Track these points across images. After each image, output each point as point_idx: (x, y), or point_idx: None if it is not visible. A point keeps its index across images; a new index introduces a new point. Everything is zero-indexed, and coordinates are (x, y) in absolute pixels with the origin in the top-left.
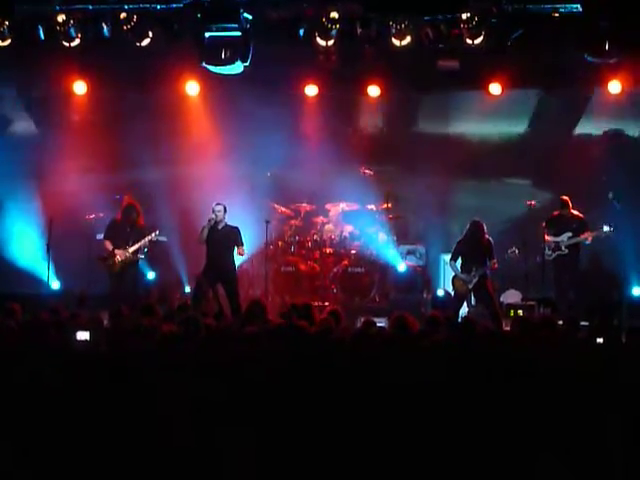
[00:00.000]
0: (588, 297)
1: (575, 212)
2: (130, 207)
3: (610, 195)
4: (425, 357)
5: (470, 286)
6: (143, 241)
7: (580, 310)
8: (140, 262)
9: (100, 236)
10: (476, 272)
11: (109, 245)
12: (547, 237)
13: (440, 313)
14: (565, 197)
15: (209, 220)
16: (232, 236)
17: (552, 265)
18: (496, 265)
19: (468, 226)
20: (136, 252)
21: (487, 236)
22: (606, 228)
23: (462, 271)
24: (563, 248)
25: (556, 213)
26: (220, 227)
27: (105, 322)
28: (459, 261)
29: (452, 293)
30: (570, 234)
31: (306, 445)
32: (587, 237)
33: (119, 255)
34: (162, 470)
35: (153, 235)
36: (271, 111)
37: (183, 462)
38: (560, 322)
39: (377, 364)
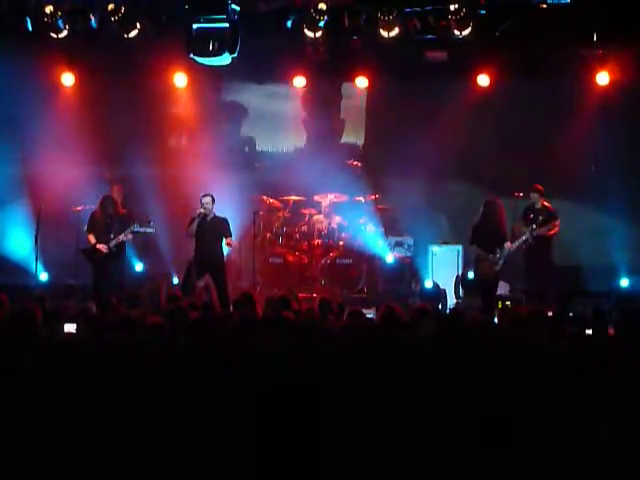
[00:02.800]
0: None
1: (546, 203)
2: (106, 199)
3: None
4: (413, 349)
5: (497, 267)
6: (121, 236)
7: (550, 300)
8: (124, 254)
9: None
10: (500, 253)
11: (92, 238)
12: (520, 228)
13: (428, 305)
14: (538, 186)
15: (198, 214)
16: (220, 227)
17: (523, 255)
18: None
19: (482, 207)
20: (117, 245)
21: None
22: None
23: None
24: (530, 239)
25: (529, 203)
26: (209, 218)
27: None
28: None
29: (476, 279)
30: (534, 226)
31: (292, 437)
32: (545, 231)
33: (101, 248)
34: (150, 463)
35: (132, 228)
36: (259, 102)
37: (174, 455)
38: (550, 313)
39: (364, 356)
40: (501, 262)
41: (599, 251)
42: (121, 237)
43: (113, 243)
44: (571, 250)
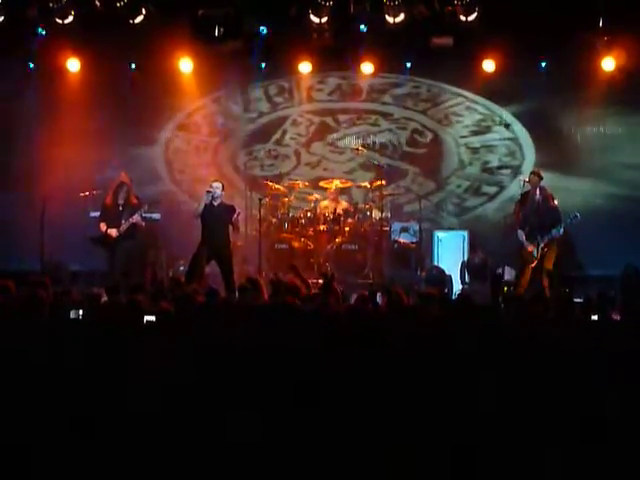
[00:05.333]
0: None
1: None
2: (119, 186)
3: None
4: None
5: (534, 255)
6: (132, 219)
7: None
8: (135, 237)
9: (93, 214)
10: (541, 240)
11: (103, 226)
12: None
13: (434, 290)
14: (537, 171)
15: (207, 192)
16: (227, 213)
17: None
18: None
19: (532, 191)
20: (127, 230)
21: (552, 202)
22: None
23: (527, 241)
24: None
25: (528, 188)
26: (216, 204)
27: (102, 299)
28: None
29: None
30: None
31: (300, 424)
32: None
33: (112, 233)
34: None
35: (141, 211)
36: (264, 88)
37: (178, 443)
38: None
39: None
40: (536, 250)
41: (604, 236)
42: (133, 218)
43: (124, 227)
44: (576, 236)
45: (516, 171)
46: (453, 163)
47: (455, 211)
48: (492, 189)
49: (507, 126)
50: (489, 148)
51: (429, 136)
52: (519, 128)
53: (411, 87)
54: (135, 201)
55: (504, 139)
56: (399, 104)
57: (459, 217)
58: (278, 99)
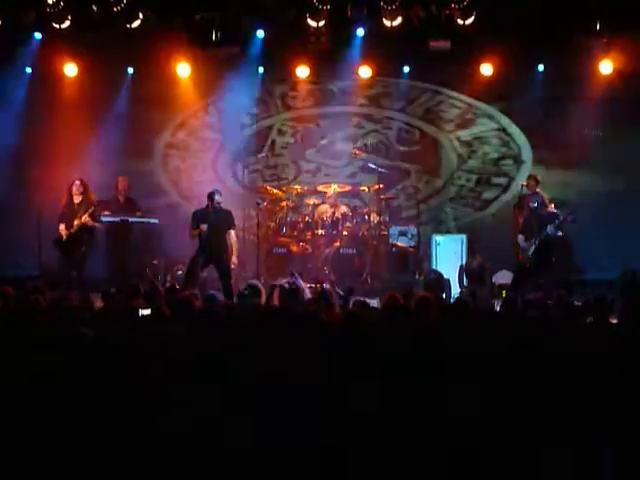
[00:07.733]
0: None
1: (540, 192)
2: (72, 185)
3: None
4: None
5: (528, 255)
6: (82, 218)
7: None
8: (90, 239)
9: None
10: (535, 240)
11: (62, 227)
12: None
13: (432, 294)
14: (535, 175)
15: (206, 207)
16: (225, 219)
17: None
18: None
19: (530, 196)
20: (78, 232)
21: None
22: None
23: (526, 244)
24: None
25: (524, 192)
26: (213, 210)
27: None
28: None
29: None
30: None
31: (295, 429)
32: None
33: (61, 232)
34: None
35: (92, 211)
36: (262, 92)
37: (176, 451)
38: (549, 302)
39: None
40: (531, 250)
41: (604, 240)
42: (82, 219)
43: (75, 229)
44: (576, 239)
45: (517, 160)
46: (453, 158)
47: (476, 205)
48: (502, 180)
49: None
50: (481, 140)
51: (417, 133)
52: (513, 128)
53: (380, 87)
54: (92, 198)
55: (493, 130)
56: (376, 104)
57: (482, 210)
58: (255, 110)
